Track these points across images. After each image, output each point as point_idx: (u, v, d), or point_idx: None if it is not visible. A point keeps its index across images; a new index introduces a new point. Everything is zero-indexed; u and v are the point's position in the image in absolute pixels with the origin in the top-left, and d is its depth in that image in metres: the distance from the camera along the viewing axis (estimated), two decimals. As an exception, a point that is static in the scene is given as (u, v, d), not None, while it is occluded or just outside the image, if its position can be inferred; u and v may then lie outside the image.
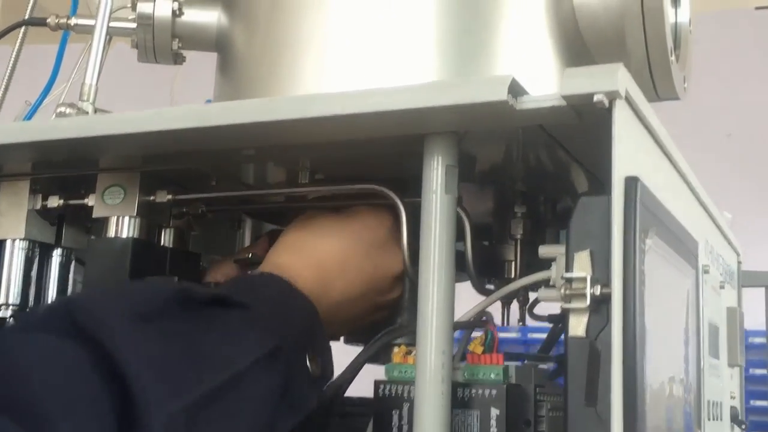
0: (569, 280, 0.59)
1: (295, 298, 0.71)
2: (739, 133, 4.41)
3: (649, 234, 0.61)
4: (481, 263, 0.83)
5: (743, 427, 1.04)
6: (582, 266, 0.59)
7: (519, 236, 0.89)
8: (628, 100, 0.58)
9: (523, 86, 0.61)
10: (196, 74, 1.19)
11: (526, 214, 0.89)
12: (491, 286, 1.00)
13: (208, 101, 1.38)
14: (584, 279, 0.58)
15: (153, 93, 1.55)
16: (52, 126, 0.75)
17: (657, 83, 0.87)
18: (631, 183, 0.58)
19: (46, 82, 1.14)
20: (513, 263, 0.93)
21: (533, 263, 0.92)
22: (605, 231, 0.59)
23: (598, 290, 0.58)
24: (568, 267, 0.60)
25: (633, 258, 0.58)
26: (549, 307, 0.76)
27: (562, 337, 0.60)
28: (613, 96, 0.57)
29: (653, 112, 0.63)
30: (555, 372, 0.94)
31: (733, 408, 1.02)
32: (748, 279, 1.17)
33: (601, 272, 0.59)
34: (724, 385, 0.97)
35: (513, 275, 0.93)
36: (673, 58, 0.85)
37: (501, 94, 0.58)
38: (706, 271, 0.85)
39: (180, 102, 1.47)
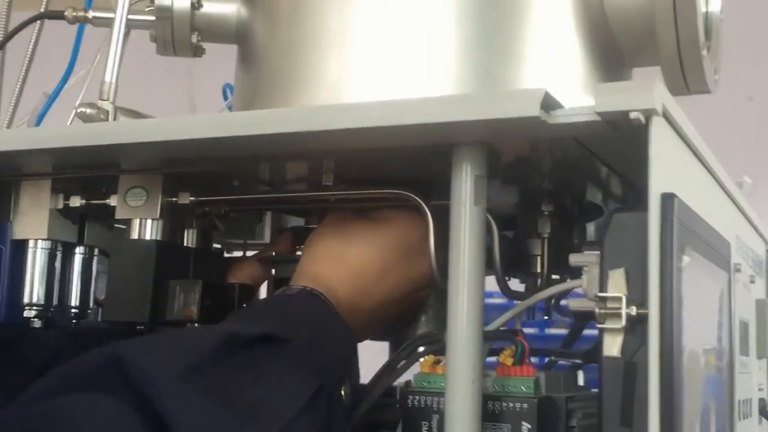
0: (604, 299, 0.58)
1: (335, 325, 0.72)
2: (761, 96, 4.35)
3: (685, 251, 0.59)
4: (506, 257, 0.82)
5: (771, 418, 1.03)
6: (617, 285, 0.58)
7: (546, 235, 0.88)
8: (666, 116, 0.56)
9: (555, 99, 0.59)
10: (215, 55, 1.18)
11: (553, 212, 0.87)
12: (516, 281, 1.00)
13: (227, 85, 1.37)
14: (620, 299, 0.57)
15: (171, 76, 1.53)
16: (72, 133, 0.74)
17: (688, 77, 0.84)
18: (668, 200, 0.57)
19: (63, 70, 1.13)
20: (539, 258, 0.92)
21: (558, 257, 0.92)
22: (640, 248, 0.58)
23: (634, 311, 0.57)
24: (603, 286, 0.59)
25: (670, 278, 0.56)
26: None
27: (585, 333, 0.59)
28: (649, 113, 0.55)
29: (690, 125, 0.61)
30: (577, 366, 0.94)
31: (761, 400, 1.01)
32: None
33: (637, 291, 0.58)
34: (753, 380, 0.96)
35: (539, 269, 0.92)
36: (704, 52, 0.83)
37: (533, 110, 0.57)
38: (737, 270, 0.83)
39: (198, 84, 1.45)
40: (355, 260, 0.78)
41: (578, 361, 0.92)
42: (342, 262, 0.77)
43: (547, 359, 0.98)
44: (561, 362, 0.98)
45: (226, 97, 1.34)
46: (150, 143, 0.70)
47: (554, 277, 0.93)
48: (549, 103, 0.58)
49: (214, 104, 1.34)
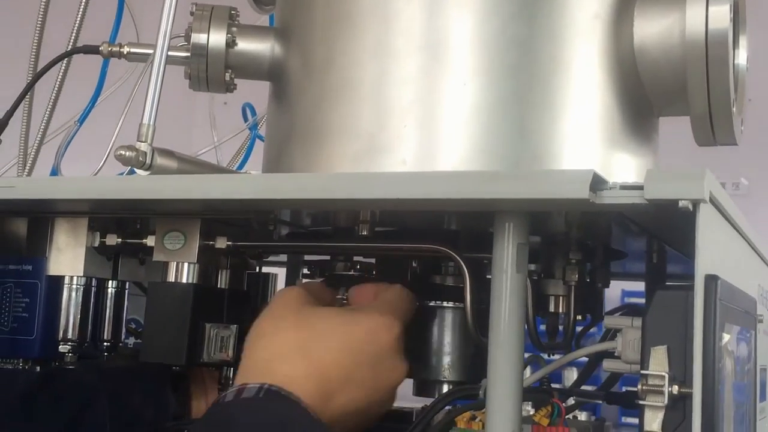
0: (645, 377, 0.60)
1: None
2: (759, 98, 4.37)
3: (725, 328, 0.61)
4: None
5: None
6: (659, 362, 0.60)
7: (573, 283, 0.89)
8: (713, 202, 0.58)
9: (603, 177, 0.60)
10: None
11: (580, 260, 0.89)
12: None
13: (248, 104, 1.38)
14: (662, 377, 0.59)
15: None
16: (109, 187, 0.75)
17: (716, 131, 0.86)
18: (712, 283, 0.59)
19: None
20: (563, 299, 0.94)
21: (581, 299, 0.94)
22: (681, 327, 0.59)
23: (676, 389, 0.59)
24: (644, 362, 0.61)
25: (712, 357, 0.58)
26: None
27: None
28: (698, 201, 0.56)
29: (733, 205, 0.63)
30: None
31: (776, 441, 1.03)
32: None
33: (677, 368, 0.60)
34: (770, 422, 0.98)
35: (561, 310, 0.94)
36: (734, 108, 0.85)
37: (582, 192, 0.58)
38: (760, 321, 0.85)
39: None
40: (321, 360, 0.71)
41: (599, 402, 0.94)
42: (306, 360, 0.71)
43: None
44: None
45: (246, 118, 1.35)
46: (189, 200, 0.71)
47: (577, 317, 0.95)
48: (597, 184, 0.60)
49: (234, 119, 1.35)
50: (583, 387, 0.99)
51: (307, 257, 1.08)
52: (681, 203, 0.56)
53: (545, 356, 0.88)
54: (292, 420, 0.67)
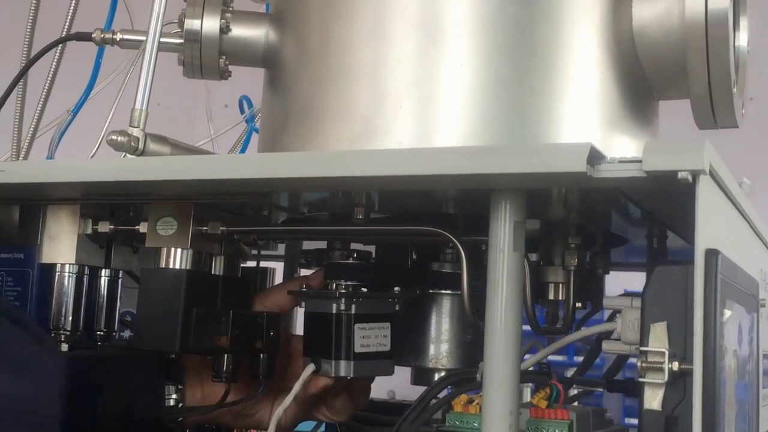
0: (645, 353, 0.59)
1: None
2: (761, 96, 4.35)
3: (726, 304, 0.60)
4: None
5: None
6: (658, 339, 0.59)
7: (573, 268, 0.88)
8: (713, 175, 0.57)
9: (600, 152, 0.59)
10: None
11: (580, 245, 0.88)
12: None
13: (245, 97, 1.37)
14: (662, 353, 0.58)
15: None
16: (102, 168, 0.74)
17: (717, 113, 0.85)
18: (712, 257, 0.57)
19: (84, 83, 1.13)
20: (562, 286, 0.93)
21: (581, 285, 0.92)
22: (681, 302, 0.58)
23: (676, 366, 0.57)
24: (644, 339, 0.59)
25: (713, 333, 0.57)
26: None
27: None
28: (697, 173, 0.55)
29: (733, 180, 0.62)
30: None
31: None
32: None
33: (677, 345, 0.58)
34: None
35: (561, 297, 0.93)
36: (735, 89, 0.83)
37: (580, 166, 0.57)
38: (762, 305, 0.84)
39: (213, 88, 1.45)
40: None
41: (600, 390, 0.93)
42: None
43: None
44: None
45: (242, 111, 1.34)
46: (182, 182, 0.70)
47: (577, 304, 0.94)
48: (594, 158, 0.58)
49: (231, 111, 1.34)
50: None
51: (304, 247, 1.07)
52: (680, 175, 0.55)
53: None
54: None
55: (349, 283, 0.85)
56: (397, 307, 0.88)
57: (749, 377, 0.77)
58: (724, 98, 0.83)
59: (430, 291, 0.93)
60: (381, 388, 1.06)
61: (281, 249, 1.18)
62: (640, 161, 0.57)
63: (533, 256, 0.97)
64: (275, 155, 0.79)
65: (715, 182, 0.58)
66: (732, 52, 0.82)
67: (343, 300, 0.84)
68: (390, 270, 0.93)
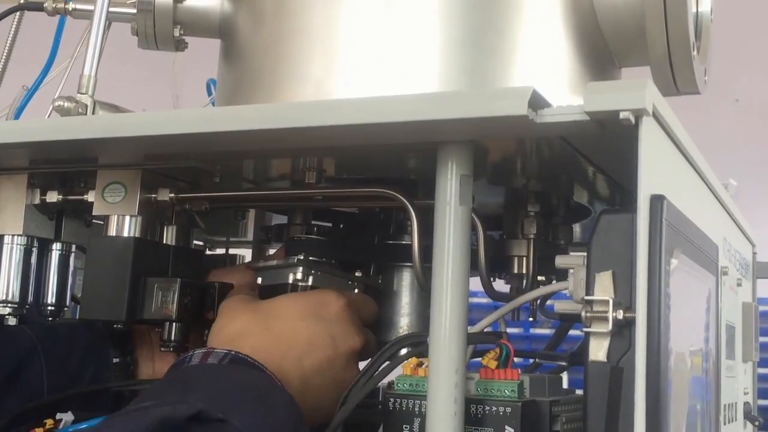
0: (590, 303, 0.57)
1: (276, 395, 0.68)
2: (747, 98, 4.36)
3: (674, 253, 0.58)
4: (490, 258, 0.81)
5: (756, 423, 1.02)
6: (603, 288, 0.57)
7: (532, 236, 0.86)
8: (656, 117, 0.55)
9: (543, 97, 0.57)
10: (199, 50, 1.16)
11: (539, 213, 0.86)
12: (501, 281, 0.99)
13: (211, 80, 1.35)
14: (606, 302, 0.56)
15: (154, 71, 1.51)
16: (49, 127, 0.72)
17: (677, 77, 0.83)
18: (657, 202, 0.56)
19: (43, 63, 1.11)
20: (524, 259, 0.91)
21: (544, 258, 0.91)
22: (628, 251, 0.56)
23: (620, 314, 0.56)
24: (589, 288, 0.58)
25: (658, 281, 0.55)
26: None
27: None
28: (640, 113, 0.54)
29: (680, 126, 0.60)
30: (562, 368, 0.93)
31: (746, 404, 1.00)
32: (763, 271, 1.15)
33: (624, 294, 0.57)
34: (739, 384, 0.95)
35: (524, 270, 0.91)
36: (695, 52, 0.82)
37: (521, 109, 0.55)
38: (725, 273, 0.82)
39: (181, 79, 1.43)
40: (282, 331, 0.76)
41: (563, 363, 0.91)
42: (267, 333, 0.76)
43: (531, 361, 0.96)
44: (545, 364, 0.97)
45: (210, 93, 1.32)
46: (129, 138, 0.68)
47: (540, 278, 0.92)
48: (537, 102, 0.57)
49: (198, 100, 1.33)
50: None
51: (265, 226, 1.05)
52: (622, 115, 0.53)
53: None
54: (253, 384, 0.68)
55: (312, 258, 0.83)
56: (356, 290, 0.86)
57: (709, 346, 0.76)
58: (684, 62, 0.82)
59: (391, 264, 0.91)
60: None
61: (250, 235, 1.16)
62: (582, 105, 0.56)
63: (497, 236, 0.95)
64: (218, 109, 0.77)
65: (659, 125, 0.56)
66: (690, 13, 0.80)
67: (300, 269, 0.82)
68: (353, 244, 0.91)
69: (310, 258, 0.83)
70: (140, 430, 0.57)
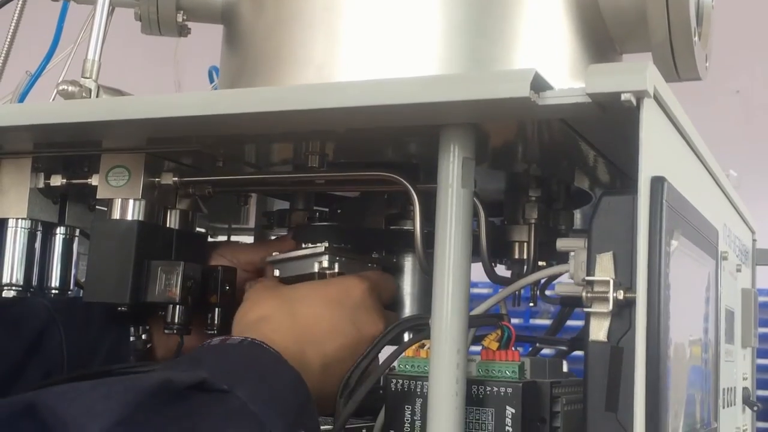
0: (591, 283, 0.57)
1: (282, 372, 0.67)
2: (747, 89, 4.35)
3: (674, 235, 0.59)
4: (492, 244, 0.81)
5: (755, 408, 1.03)
6: (604, 269, 0.58)
7: (533, 221, 0.87)
8: (657, 99, 0.56)
9: (545, 79, 0.58)
10: (203, 37, 1.16)
11: (540, 198, 0.87)
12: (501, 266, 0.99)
13: (213, 68, 1.35)
14: (607, 283, 0.57)
15: (157, 58, 1.51)
16: (53, 109, 0.72)
17: (679, 64, 0.84)
18: (658, 184, 0.56)
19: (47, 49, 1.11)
20: (526, 245, 0.91)
21: (545, 243, 0.91)
22: (628, 232, 0.57)
23: (621, 295, 0.56)
24: (590, 269, 0.58)
25: (658, 262, 0.56)
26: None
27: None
28: (641, 95, 0.54)
29: (681, 109, 0.60)
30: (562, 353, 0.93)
31: (745, 389, 1.01)
32: (762, 257, 1.15)
33: (624, 275, 0.57)
34: (738, 369, 0.96)
35: (525, 256, 0.92)
36: (696, 38, 0.82)
37: (523, 91, 0.56)
38: (724, 258, 0.83)
39: (184, 67, 1.43)
40: (305, 316, 0.77)
41: (563, 348, 0.92)
42: (290, 318, 0.76)
43: (531, 347, 0.97)
44: (546, 351, 0.98)
45: (212, 80, 1.33)
46: (133, 121, 0.69)
47: (541, 263, 0.93)
48: (539, 84, 0.57)
49: (200, 88, 1.33)
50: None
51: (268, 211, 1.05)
52: (623, 96, 0.54)
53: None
54: (260, 361, 0.68)
55: (324, 244, 0.83)
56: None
57: (709, 329, 0.76)
58: (685, 47, 0.82)
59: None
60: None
61: (251, 222, 1.17)
62: (584, 88, 0.56)
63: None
64: (222, 92, 0.78)
65: (660, 108, 0.57)
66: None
67: (326, 258, 0.82)
68: (362, 231, 0.91)
69: (333, 245, 0.83)
70: (139, 388, 0.57)
